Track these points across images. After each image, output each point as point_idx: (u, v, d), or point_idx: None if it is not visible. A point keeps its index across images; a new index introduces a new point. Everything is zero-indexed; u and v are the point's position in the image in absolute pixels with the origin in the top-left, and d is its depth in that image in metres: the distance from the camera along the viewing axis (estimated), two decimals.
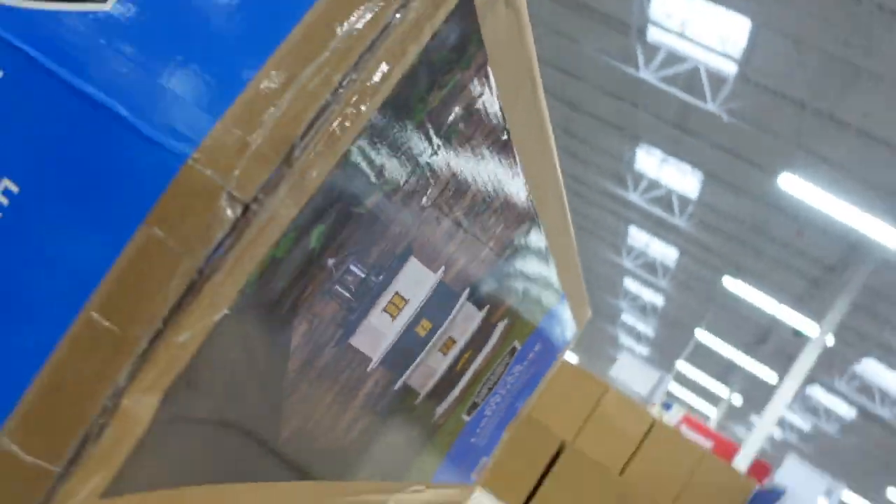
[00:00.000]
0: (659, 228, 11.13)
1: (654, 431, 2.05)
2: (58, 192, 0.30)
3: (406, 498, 0.77)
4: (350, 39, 0.31)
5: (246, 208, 0.29)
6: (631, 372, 8.14)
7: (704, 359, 14.28)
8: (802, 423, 14.39)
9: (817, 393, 12.65)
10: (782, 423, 14.66)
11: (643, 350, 17.00)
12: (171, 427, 0.33)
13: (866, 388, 11.22)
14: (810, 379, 11.24)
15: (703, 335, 12.55)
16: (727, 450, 9.46)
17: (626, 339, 16.82)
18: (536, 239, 0.69)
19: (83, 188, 0.30)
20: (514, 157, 0.53)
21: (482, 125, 0.45)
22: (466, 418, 0.84)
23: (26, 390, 0.29)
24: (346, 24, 0.31)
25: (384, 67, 0.31)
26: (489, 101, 0.44)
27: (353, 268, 0.41)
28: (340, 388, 0.49)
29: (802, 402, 13.29)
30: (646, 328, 15.43)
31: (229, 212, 0.29)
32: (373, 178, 0.36)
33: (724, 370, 14.43)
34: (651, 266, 12.42)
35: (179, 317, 0.29)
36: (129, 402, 0.29)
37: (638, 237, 11.85)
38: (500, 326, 0.74)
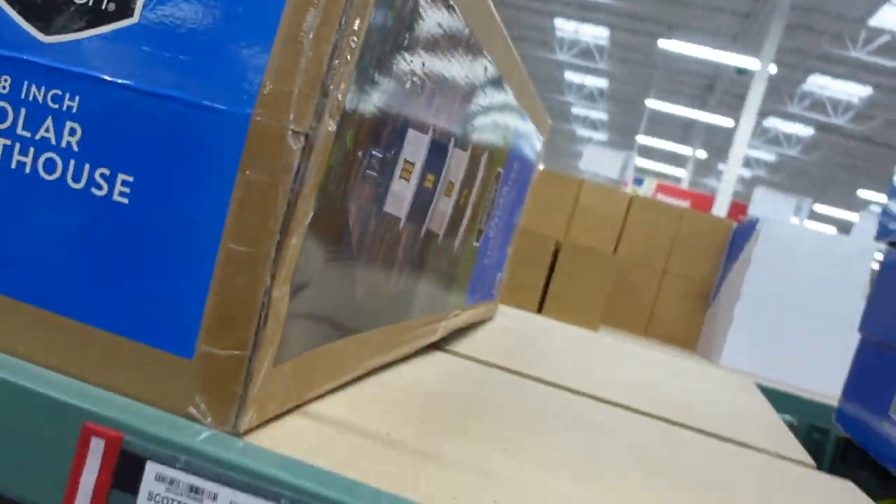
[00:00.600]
0: (584, 12, 11.00)
1: (633, 207, 2.22)
2: (166, 172, 0.41)
3: (450, 323, 0.92)
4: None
5: (306, 137, 0.40)
6: (598, 161, 8.36)
7: (661, 126, 14.56)
8: (767, 155, 14.91)
9: (773, 123, 13.03)
10: (748, 161, 15.17)
11: (601, 136, 17.24)
12: (297, 305, 0.45)
13: (817, 104, 11.56)
14: (763, 112, 11.56)
15: (654, 104, 12.73)
16: (704, 203, 9.89)
17: (583, 131, 17.01)
18: (491, 73, 0.79)
19: (184, 162, 0.41)
20: (463, 23, 0.62)
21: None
22: (477, 244, 0.97)
23: (204, 309, 0.41)
24: None
25: (364, 10, 0.41)
26: None
27: (374, 152, 0.52)
28: (386, 248, 0.61)
29: (762, 136, 13.70)
30: (599, 114, 15.58)
31: (295, 145, 0.40)
32: (375, 86, 0.46)
33: (683, 131, 14.75)
34: (586, 52, 12.38)
35: (288, 228, 0.40)
36: (276, 295, 0.41)
37: (566, 27, 11.73)
38: (483, 159, 0.85)
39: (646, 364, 1.22)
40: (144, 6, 0.42)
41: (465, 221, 0.86)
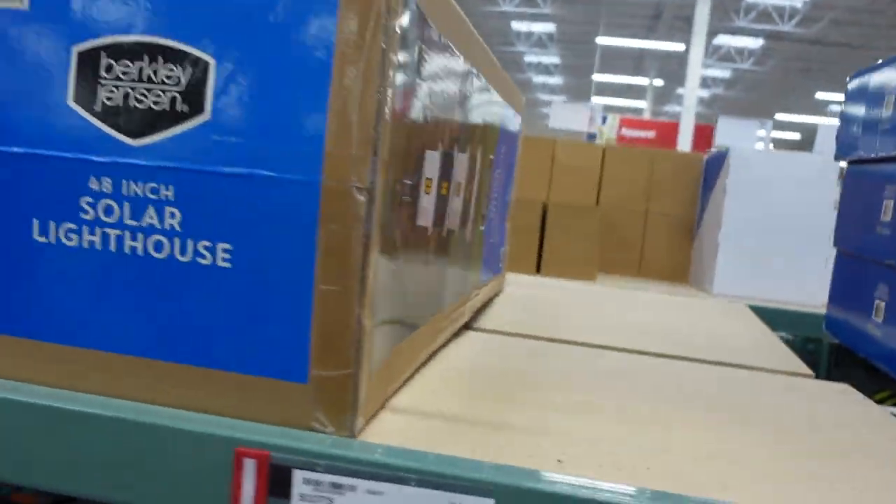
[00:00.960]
0: None
1: (608, 158, 2.32)
2: (258, 236, 0.50)
3: (473, 303, 1.02)
4: (369, 55, 0.49)
5: (369, 191, 0.49)
6: (565, 116, 8.46)
7: (615, 61, 14.62)
8: (721, 73, 15.03)
9: (724, 40, 13.13)
10: (705, 81, 15.29)
11: (557, 80, 17.28)
12: (376, 321, 0.54)
13: (763, 14, 11.66)
14: (712, 31, 11.64)
15: (604, 40, 12.78)
16: (670, 130, 10.01)
17: (537, 78, 17.04)
18: (475, 79, 0.87)
19: (272, 225, 0.50)
20: (454, 52, 0.71)
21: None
22: (482, 228, 1.07)
23: (310, 341, 0.50)
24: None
25: (392, 67, 0.50)
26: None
27: (406, 181, 0.61)
28: (422, 254, 0.70)
29: (714, 55, 13.80)
30: (551, 58, 15.61)
31: (361, 197, 0.49)
32: (404, 128, 0.55)
33: (637, 62, 14.82)
34: None
35: (366, 263, 0.50)
36: (364, 319, 0.50)
37: None
38: (479, 153, 0.94)
39: (649, 306, 1.33)
40: (213, 103, 0.50)
41: (471, 212, 0.96)
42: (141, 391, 0.52)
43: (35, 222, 0.53)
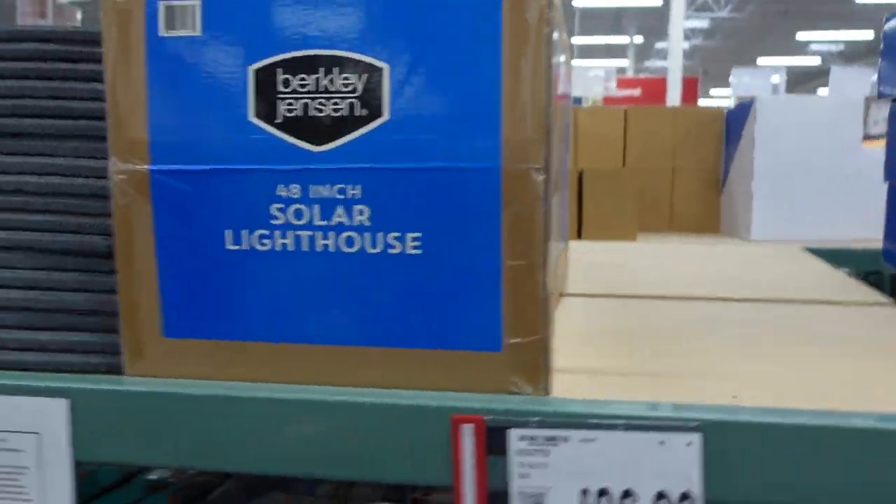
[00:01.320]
0: None
1: (630, 120, 2.37)
2: (444, 222, 0.54)
3: (563, 271, 1.06)
4: (537, 43, 0.53)
5: (545, 170, 0.54)
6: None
7: (594, 21, 14.61)
8: (700, 23, 15.03)
9: None
10: (686, 33, 15.30)
11: None
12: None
13: None
14: None
15: (580, 2, 12.76)
16: (656, 86, 10.03)
17: None
18: (562, 53, 0.91)
19: (457, 211, 0.54)
20: (561, 25, 0.75)
21: None
22: (560, 198, 1.11)
23: (501, 312, 0.55)
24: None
25: (556, 53, 0.54)
26: None
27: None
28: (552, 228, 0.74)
29: (692, 5, 13.79)
30: None
31: (539, 177, 0.53)
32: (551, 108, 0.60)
33: (614, 22, 14.81)
34: None
35: (548, 237, 0.54)
36: (549, 288, 0.55)
37: None
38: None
39: (709, 257, 1.38)
40: (391, 104, 0.55)
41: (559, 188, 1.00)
42: (345, 376, 0.57)
43: (228, 233, 0.57)
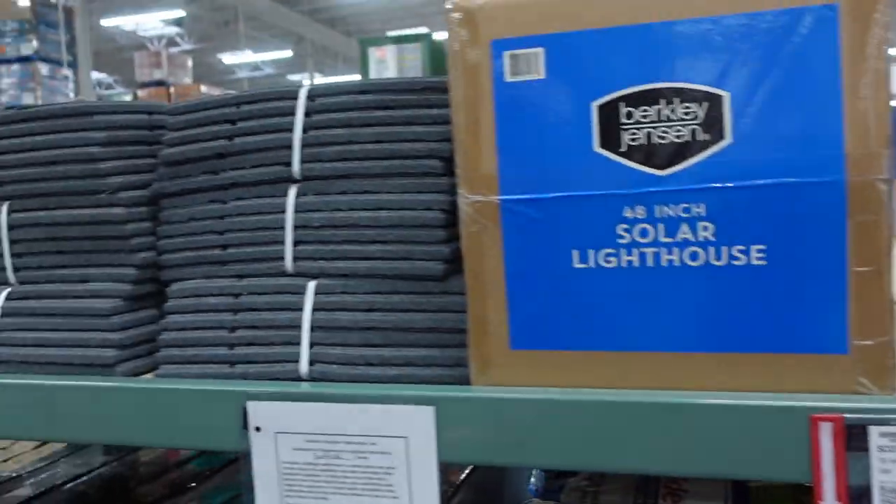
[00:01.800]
0: None
1: None
2: (789, 234, 0.59)
3: None
4: (877, 60, 0.57)
5: (888, 181, 0.57)
6: None
7: None
8: None
9: None
10: None
11: None
12: None
13: None
14: None
15: None
16: None
17: None
18: None
19: (802, 223, 0.58)
20: None
21: None
22: None
23: (847, 316, 0.58)
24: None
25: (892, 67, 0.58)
26: None
27: None
28: None
29: None
30: None
31: (884, 186, 0.57)
32: None
33: None
34: None
35: (891, 242, 0.58)
36: (894, 292, 0.58)
37: None
38: None
39: None
40: (733, 128, 0.59)
41: None
42: (690, 381, 0.62)
43: (575, 253, 0.63)
